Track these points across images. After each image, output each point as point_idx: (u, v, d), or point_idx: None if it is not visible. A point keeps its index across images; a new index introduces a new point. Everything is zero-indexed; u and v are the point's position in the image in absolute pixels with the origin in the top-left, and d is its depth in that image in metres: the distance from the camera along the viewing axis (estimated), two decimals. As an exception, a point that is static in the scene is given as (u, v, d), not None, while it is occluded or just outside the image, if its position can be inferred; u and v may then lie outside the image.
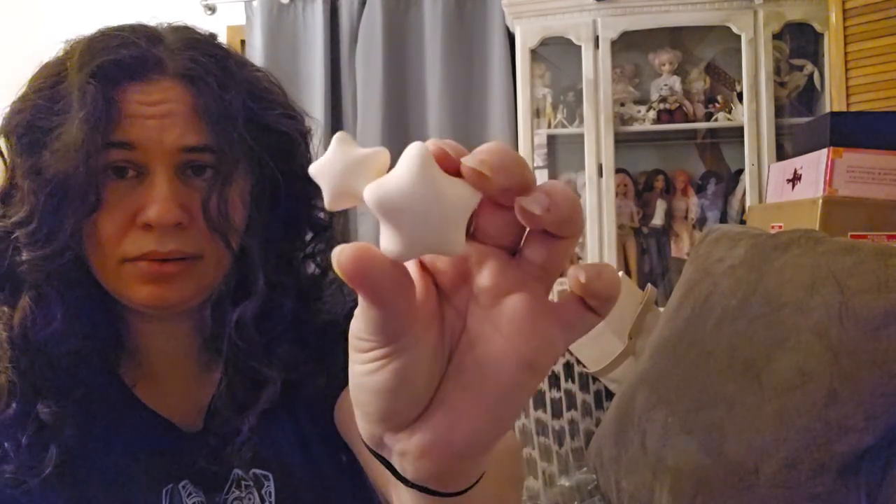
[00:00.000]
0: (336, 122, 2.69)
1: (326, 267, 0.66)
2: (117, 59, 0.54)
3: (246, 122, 0.57)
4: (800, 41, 2.39)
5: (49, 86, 0.54)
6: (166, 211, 0.53)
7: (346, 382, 0.30)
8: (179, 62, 0.55)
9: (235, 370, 0.58)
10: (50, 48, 0.59)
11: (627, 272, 2.35)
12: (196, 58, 0.56)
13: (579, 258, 2.54)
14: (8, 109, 0.56)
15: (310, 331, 0.64)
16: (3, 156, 0.56)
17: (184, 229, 0.54)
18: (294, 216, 0.63)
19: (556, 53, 2.53)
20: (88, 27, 0.58)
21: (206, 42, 0.59)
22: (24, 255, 0.53)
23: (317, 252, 0.66)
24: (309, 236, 0.65)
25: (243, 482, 0.61)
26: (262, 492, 0.61)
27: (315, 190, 0.64)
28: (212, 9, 2.77)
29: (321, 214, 0.66)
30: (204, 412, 0.62)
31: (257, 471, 0.62)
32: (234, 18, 2.75)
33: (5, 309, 0.54)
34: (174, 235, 0.54)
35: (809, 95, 2.40)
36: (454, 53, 2.58)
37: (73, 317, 0.55)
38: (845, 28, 1.82)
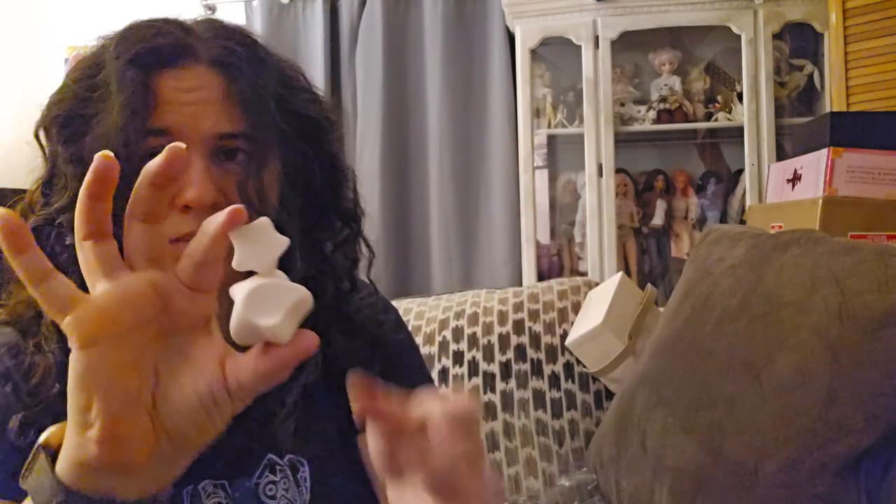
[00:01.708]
0: (336, 121, 2.69)
1: (356, 259, 0.68)
2: (153, 46, 0.56)
3: (276, 106, 0.59)
4: (800, 41, 2.39)
5: (88, 76, 0.56)
6: (204, 192, 0.54)
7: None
8: (212, 49, 0.57)
9: None
10: (53, 48, 0.60)
11: (627, 272, 2.35)
12: (227, 45, 0.58)
13: (579, 258, 2.55)
14: (47, 101, 0.57)
15: (351, 318, 0.67)
16: (42, 148, 0.58)
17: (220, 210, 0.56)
18: (323, 203, 0.65)
19: (556, 53, 2.53)
20: (90, 29, 0.60)
21: (235, 31, 0.61)
22: (69, 240, 0.54)
23: (346, 241, 0.67)
24: (338, 225, 0.67)
25: (277, 467, 0.62)
26: (298, 476, 0.62)
27: (342, 179, 0.66)
28: (212, 9, 2.76)
29: (349, 204, 0.67)
30: None
31: (293, 457, 0.62)
32: (234, 18, 2.73)
33: None
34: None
35: (809, 95, 2.40)
36: (454, 53, 2.58)
37: None
38: (845, 28, 1.82)
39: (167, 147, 0.34)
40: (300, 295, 0.37)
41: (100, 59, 0.56)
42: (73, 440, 0.36)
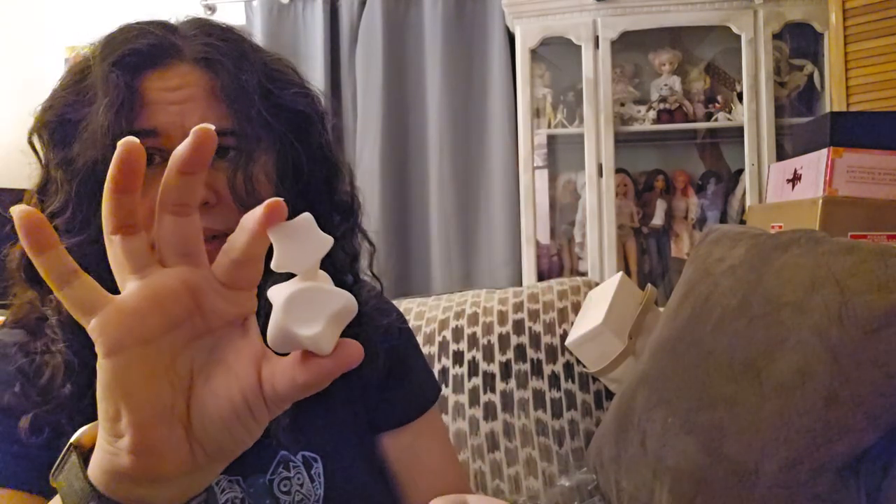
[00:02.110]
0: (336, 121, 2.69)
1: (355, 253, 0.68)
2: (136, 48, 0.56)
3: (263, 100, 0.58)
4: (800, 41, 2.39)
5: (76, 81, 0.57)
6: None
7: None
8: (196, 47, 0.57)
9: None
10: (53, 49, 0.61)
11: (627, 272, 2.35)
12: (211, 42, 0.58)
13: (579, 258, 2.54)
14: (39, 107, 0.58)
15: (359, 310, 0.68)
16: (36, 153, 0.58)
17: (211, 208, 0.56)
18: (318, 197, 0.64)
19: (556, 53, 2.53)
20: (90, 30, 0.60)
21: (219, 28, 0.61)
22: (64, 244, 0.54)
23: (344, 235, 0.67)
24: (336, 220, 0.67)
25: (291, 463, 0.62)
26: (312, 472, 0.63)
27: (336, 172, 0.65)
28: (212, 9, 2.77)
29: (345, 198, 0.67)
30: None
31: (306, 453, 0.63)
32: (234, 18, 2.75)
33: (52, 297, 0.56)
34: (203, 215, 0.54)
35: (809, 95, 2.41)
36: (454, 53, 2.58)
37: None
38: (845, 28, 1.82)
39: (194, 129, 0.31)
40: (344, 301, 0.34)
41: (87, 64, 0.57)
42: (104, 447, 0.34)
